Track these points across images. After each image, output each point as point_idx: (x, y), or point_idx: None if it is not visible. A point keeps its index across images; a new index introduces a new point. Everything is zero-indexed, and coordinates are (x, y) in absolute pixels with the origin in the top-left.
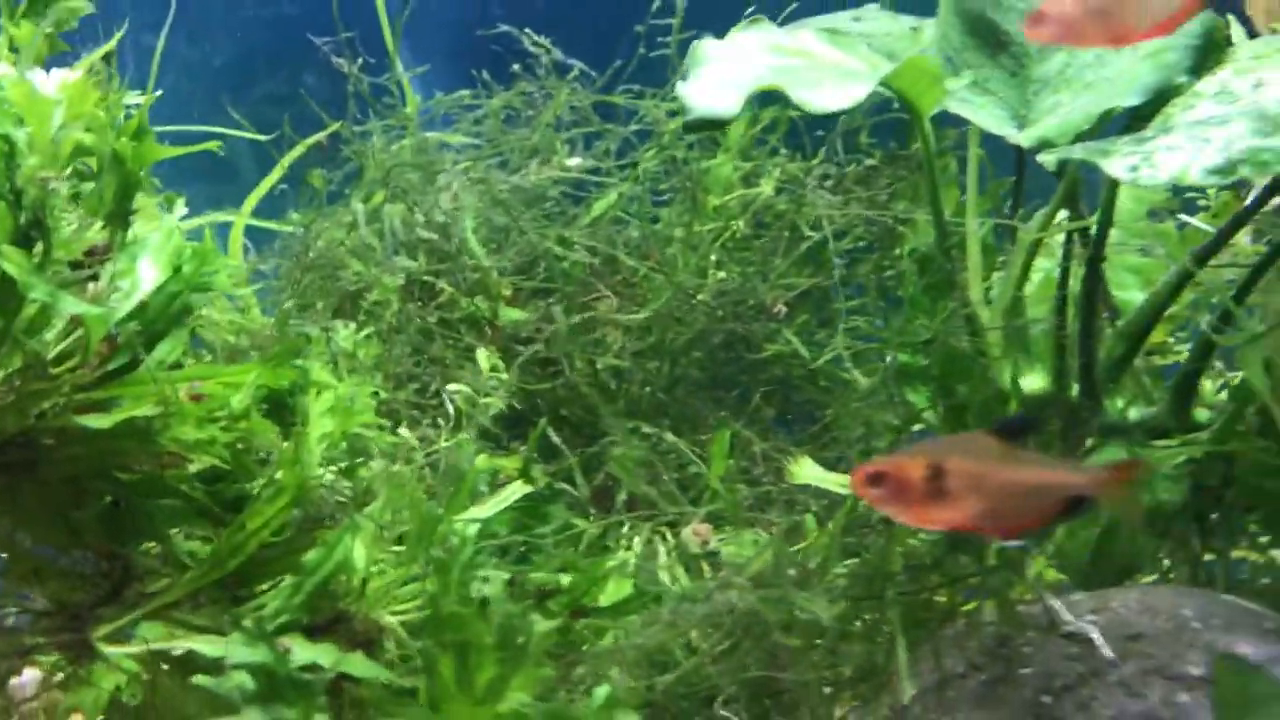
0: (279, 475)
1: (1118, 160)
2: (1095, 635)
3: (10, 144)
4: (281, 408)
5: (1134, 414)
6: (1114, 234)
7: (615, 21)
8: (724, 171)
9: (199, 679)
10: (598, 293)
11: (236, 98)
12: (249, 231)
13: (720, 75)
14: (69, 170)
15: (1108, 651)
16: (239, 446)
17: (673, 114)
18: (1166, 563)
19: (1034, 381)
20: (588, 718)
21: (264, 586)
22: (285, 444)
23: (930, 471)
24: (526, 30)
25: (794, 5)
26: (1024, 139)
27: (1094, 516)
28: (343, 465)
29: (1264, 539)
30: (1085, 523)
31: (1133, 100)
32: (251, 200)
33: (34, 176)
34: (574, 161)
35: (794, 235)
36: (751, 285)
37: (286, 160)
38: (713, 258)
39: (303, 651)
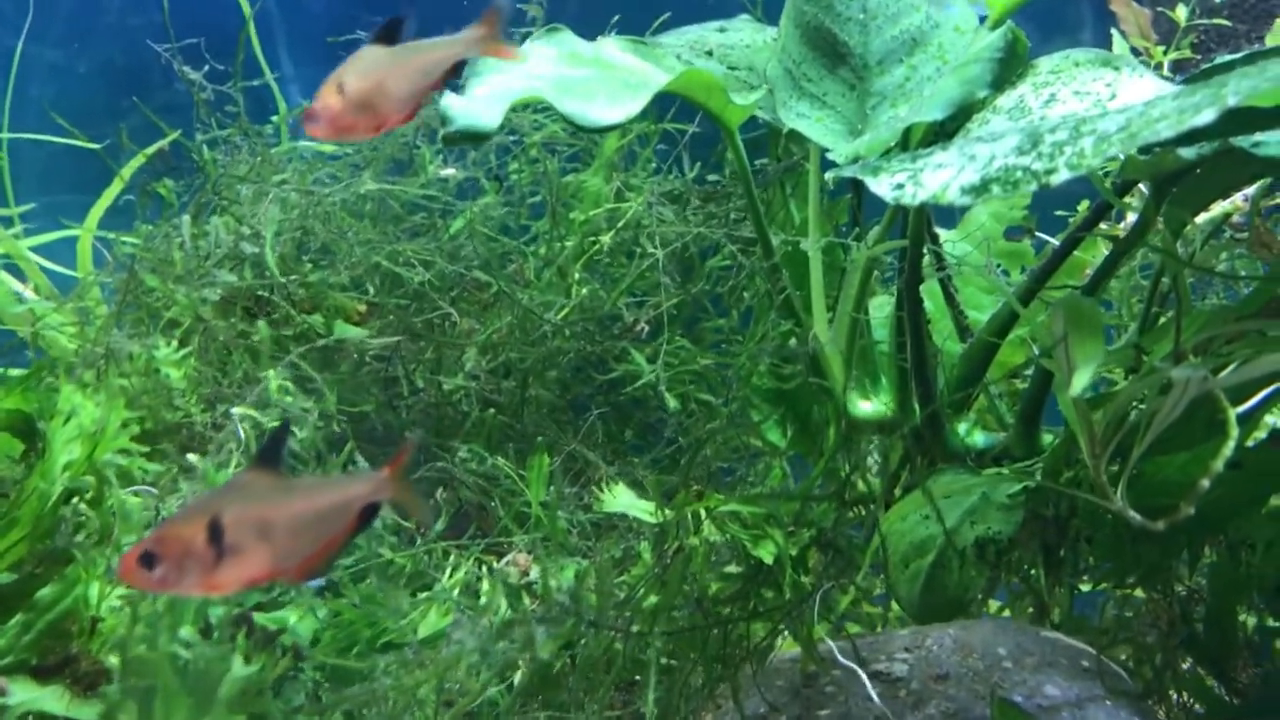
0: (19, 508)
1: (885, 179)
2: (865, 680)
3: None
4: (30, 431)
5: (979, 439)
6: (971, 254)
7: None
8: (593, 185)
9: None
10: (446, 311)
11: (104, 101)
12: (106, 243)
13: (493, 87)
14: None
15: (876, 700)
16: None
17: (538, 126)
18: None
19: (879, 404)
20: None
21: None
22: (25, 470)
23: (209, 532)
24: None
25: (667, 15)
26: (840, 155)
27: (925, 546)
28: (87, 496)
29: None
30: (916, 555)
31: (937, 115)
32: (96, 211)
33: None
34: (448, 172)
35: (649, 253)
36: (608, 303)
37: (126, 171)
38: (576, 275)
39: (24, 691)
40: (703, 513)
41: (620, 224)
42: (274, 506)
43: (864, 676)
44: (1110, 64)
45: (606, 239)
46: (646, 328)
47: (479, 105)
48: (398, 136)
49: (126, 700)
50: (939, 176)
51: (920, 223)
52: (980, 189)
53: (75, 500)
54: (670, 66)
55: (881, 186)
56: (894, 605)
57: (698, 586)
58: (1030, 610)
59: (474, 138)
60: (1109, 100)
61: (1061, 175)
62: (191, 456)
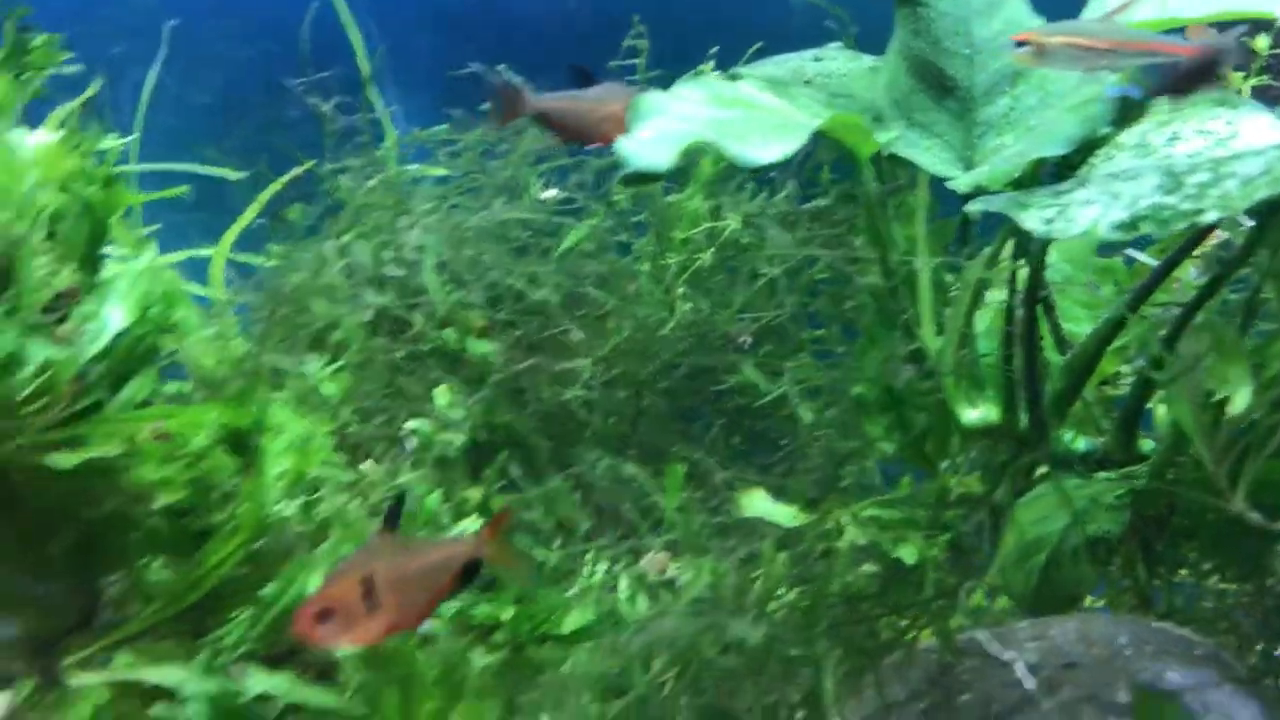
0: (239, 511)
1: (1034, 213)
2: (1019, 666)
3: None
4: (244, 445)
5: (1081, 445)
6: (1065, 269)
7: (586, 60)
8: (692, 205)
9: (156, 709)
10: (565, 326)
11: (222, 132)
12: (236, 263)
13: (658, 130)
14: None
15: (1030, 684)
16: (202, 483)
17: None
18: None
19: (986, 413)
20: None
21: (226, 617)
22: (245, 481)
23: (364, 590)
24: (500, 68)
25: (759, 44)
26: (960, 184)
27: (1038, 545)
28: (300, 501)
29: (1204, 565)
30: (1030, 552)
31: (1060, 150)
32: (230, 235)
33: (3, 232)
34: (549, 194)
35: (755, 269)
36: (716, 317)
37: (264, 197)
38: (680, 290)
39: (259, 681)
40: (845, 517)
41: (719, 241)
42: (403, 565)
43: (1020, 663)
44: (1226, 103)
45: (707, 256)
46: (749, 340)
47: (651, 148)
48: (505, 162)
49: (385, 689)
50: (1088, 213)
51: (1044, 246)
52: (1130, 226)
53: (283, 506)
54: (804, 105)
55: (1032, 221)
56: (998, 600)
57: (843, 585)
58: (1132, 603)
59: (649, 179)
60: (1231, 139)
61: (1210, 215)
62: (364, 466)
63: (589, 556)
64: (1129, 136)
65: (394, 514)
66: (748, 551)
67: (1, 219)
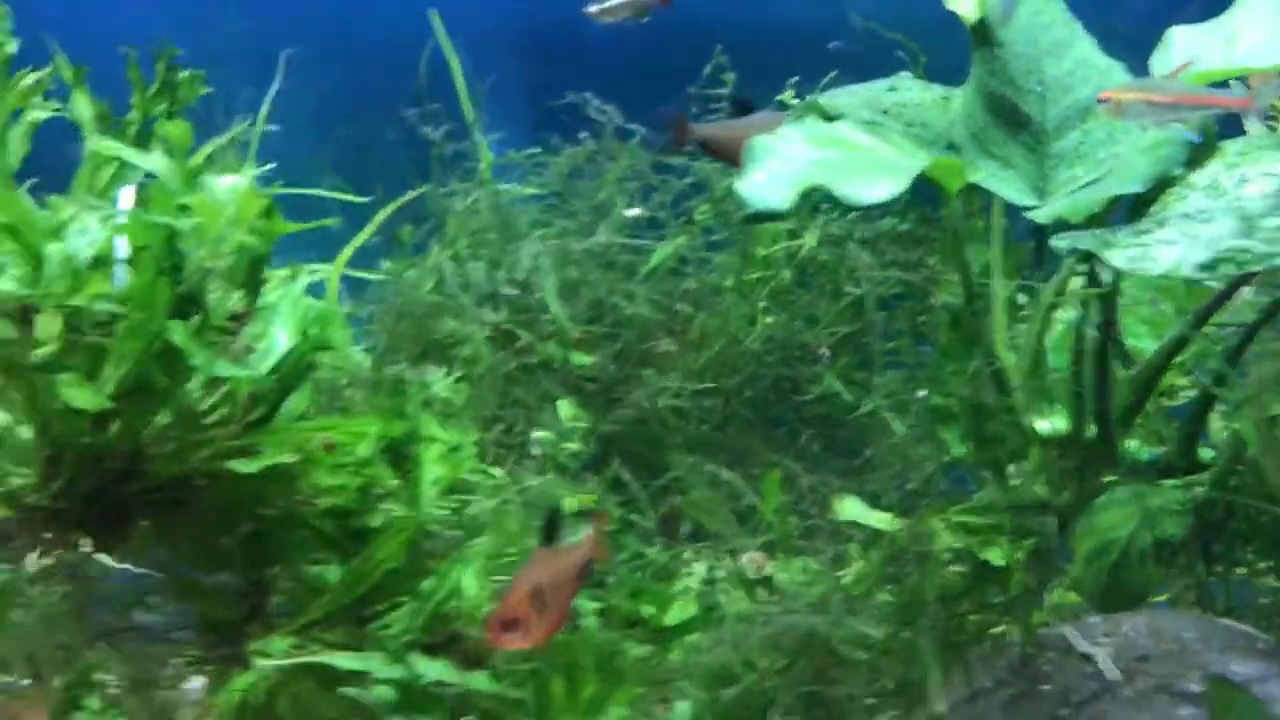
0: (399, 513)
1: (1119, 252)
2: (1102, 658)
3: (171, 230)
4: (398, 452)
5: (1145, 454)
6: (1128, 288)
7: (671, 84)
8: (770, 225)
9: (345, 689)
10: (657, 338)
11: (327, 154)
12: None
13: (772, 170)
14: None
15: (1114, 673)
16: (365, 488)
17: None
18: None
19: (1055, 424)
20: None
21: (384, 608)
22: (402, 485)
23: (534, 599)
24: (588, 95)
25: (834, 72)
26: (1041, 216)
27: (1109, 547)
28: (452, 505)
29: (1261, 565)
30: (1101, 554)
31: (1136, 188)
32: (345, 254)
33: (199, 266)
34: (633, 212)
35: (835, 285)
36: (797, 330)
37: (380, 217)
38: (761, 305)
39: (426, 667)
40: (940, 523)
41: (797, 259)
42: (556, 574)
43: (1103, 653)
44: None
45: (787, 273)
46: (828, 352)
47: (769, 190)
48: (597, 185)
49: (552, 676)
50: (1170, 254)
51: (1118, 276)
52: (1211, 266)
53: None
54: (895, 143)
55: (1118, 260)
56: (1067, 598)
57: (937, 584)
58: (1191, 601)
59: (770, 218)
60: None
61: None
62: (496, 470)
63: (689, 555)
64: (1200, 178)
65: (551, 527)
66: (836, 552)
67: (199, 255)
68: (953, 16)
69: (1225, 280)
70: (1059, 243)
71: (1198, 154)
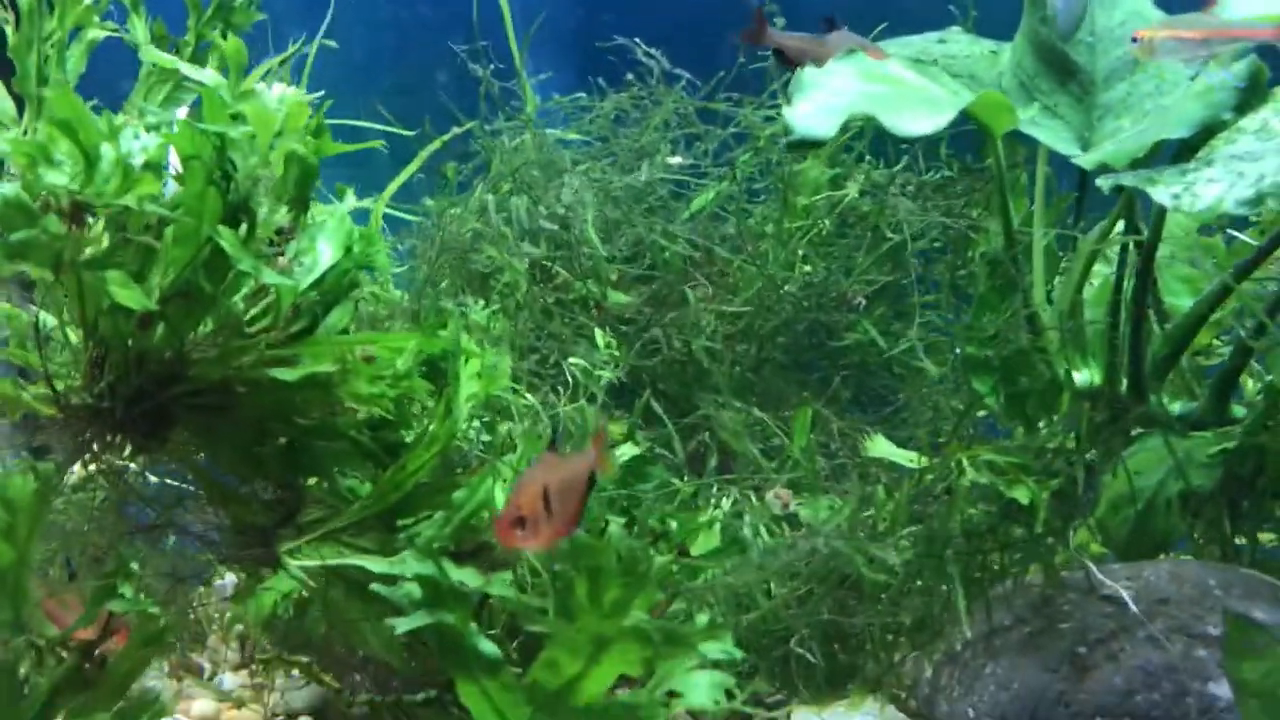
0: (433, 427)
1: (1163, 189)
2: (1125, 595)
3: (223, 139)
4: (435, 370)
5: (1177, 408)
6: (1167, 246)
7: (718, 34)
8: (813, 174)
9: (375, 587)
10: (695, 281)
11: (375, 89)
12: (384, 214)
13: (819, 101)
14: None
15: (1134, 608)
16: (401, 401)
17: (768, 119)
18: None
19: (1088, 376)
20: (694, 636)
21: (413, 519)
22: (438, 400)
23: (544, 499)
24: (637, 40)
25: (884, 24)
26: (1086, 161)
27: (1136, 495)
28: (485, 421)
29: None
30: (1126, 502)
31: (1182, 133)
32: (391, 188)
33: (251, 174)
34: (675, 160)
35: (875, 235)
36: (835, 279)
37: (425, 153)
38: (800, 253)
39: (452, 572)
40: (966, 460)
41: (839, 208)
42: (563, 478)
43: (1119, 588)
44: None
45: (828, 221)
46: (863, 301)
47: (814, 118)
48: (637, 130)
49: (576, 577)
50: (1213, 190)
51: (1161, 221)
52: (1256, 201)
53: (476, 424)
54: (945, 83)
55: (1161, 195)
56: (1091, 546)
57: (964, 521)
58: (1217, 556)
59: (813, 145)
60: None
61: None
62: (529, 395)
63: (717, 490)
64: (1250, 122)
65: (554, 436)
66: (864, 493)
67: (251, 162)
68: None
69: (1259, 236)
70: (1101, 183)
71: (1250, 99)
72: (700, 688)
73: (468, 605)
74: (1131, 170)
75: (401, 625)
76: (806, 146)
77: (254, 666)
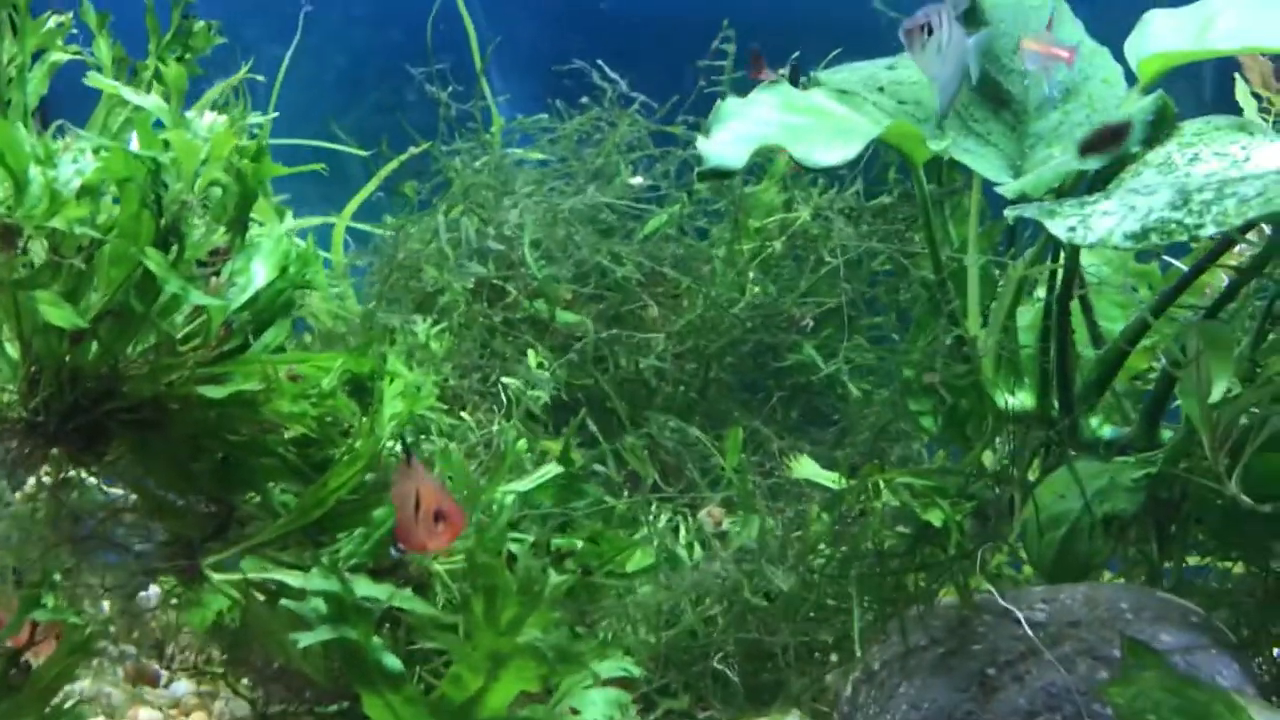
0: (357, 444)
1: (1060, 221)
2: (1022, 618)
3: (157, 165)
4: (362, 389)
5: (1108, 432)
6: (1103, 271)
7: (676, 58)
8: (766, 196)
9: (284, 602)
10: (644, 301)
11: (358, 107)
12: (350, 230)
13: (736, 130)
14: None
15: (1029, 632)
16: (326, 419)
17: None
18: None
19: (1022, 399)
20: (587, 654)
21: (340, 535)
22: (363, 419)
23: (435, 506)
24: (599, 63)
25: (838, 50)
26: (1008, 190)
27: (1060, 519)
28: (408, 440)
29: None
30: (1052, 525)
31: (1095, 164)
32: (352, 205)
33: (176, 199)
34: (636, 180)
35: (820, 257)
36: (783, 300)
37: (383, 173)
38: (750, 274)
39: (365, 586)
40: (881, 482)
41: (789, 231)
42: (429, 481)
43: (1018, 614)
44: (1245, 129)
45: (778, 244)
46: (811, 323)
47: (727, 148)
48: (597, 151)
49: (475, 595)
50: (1105, 223)
51: (1076, 250)
52: (1141, 236)
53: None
54: (868, 113)
55: (1058, 228)
56: (1025, 569)
57: (876, 542)
58: (1143, 579)
59: (723, 175)
60: (1244, 161)
61: (1209, 230)
62: (464, 414)
63: (653, 507)
64: (1155, 156)
65: (409, 455)
66: (795, 511)
67: (176, 189)
68: None
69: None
70: (1010, 213)
71: (1158, 133)
72: (597, 704)
73: (370, 620)
74: (1045, 200)
75: (305, 639)
76: (718, 176)
77: (197, 675)
